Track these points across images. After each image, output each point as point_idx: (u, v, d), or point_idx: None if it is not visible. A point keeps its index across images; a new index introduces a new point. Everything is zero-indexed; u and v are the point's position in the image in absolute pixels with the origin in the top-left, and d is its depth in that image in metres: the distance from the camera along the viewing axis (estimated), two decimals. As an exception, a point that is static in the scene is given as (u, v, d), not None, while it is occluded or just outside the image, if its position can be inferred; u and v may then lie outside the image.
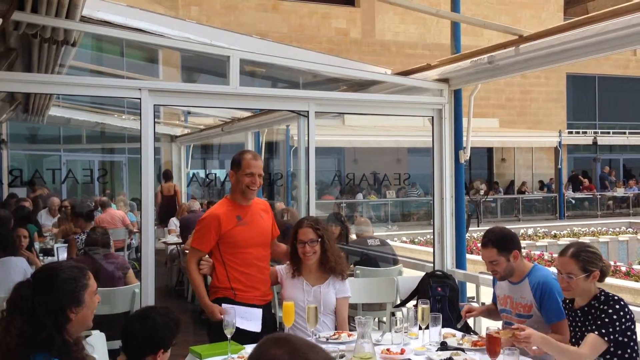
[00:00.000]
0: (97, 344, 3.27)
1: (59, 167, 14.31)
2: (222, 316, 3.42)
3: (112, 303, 4.97)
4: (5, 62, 5.44)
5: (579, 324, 3.13)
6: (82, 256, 6.45)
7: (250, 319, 3.74)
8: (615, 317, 2.95)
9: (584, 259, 3.04)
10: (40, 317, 2.31)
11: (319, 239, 3.83)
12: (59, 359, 2.29)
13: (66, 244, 7.34)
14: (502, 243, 3.52)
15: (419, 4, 5.18)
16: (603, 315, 2.97)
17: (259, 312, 3.79)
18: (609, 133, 23.65)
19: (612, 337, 2.93)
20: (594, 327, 2.98)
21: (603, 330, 2.93)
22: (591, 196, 22.14)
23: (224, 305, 3.69)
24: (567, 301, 3.24)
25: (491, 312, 3.87)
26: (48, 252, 7.48)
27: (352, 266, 6.57)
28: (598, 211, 21.60)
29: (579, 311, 3.13)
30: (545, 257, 12.07)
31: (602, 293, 3.07)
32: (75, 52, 5.79)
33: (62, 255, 7.13)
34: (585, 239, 16.35)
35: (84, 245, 6.65)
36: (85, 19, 4.41)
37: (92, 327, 2.53)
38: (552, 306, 3.39)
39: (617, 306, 2.98)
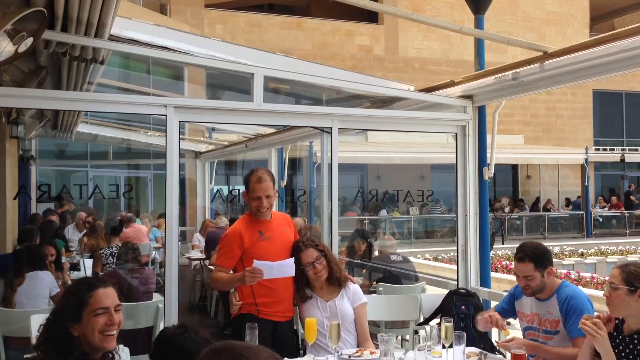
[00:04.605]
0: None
1: (86, 183, 14.54)
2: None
3: (136, 318, 4.99)
4: (36, 80, 5.57)
5: (627, 352, 2.93)
6: (108, 271, 6.54)
7: (282, 270, 3.68)
8: None
9: (630, 271, 2.89)
10: (52, 328, 2.34)
11: (322, 253, 3.87)
12: None
13: (92, 259, 7.45)
14: (539, 258, 3.47)
15: (442, 21, 5.18)
16: None
17: (290, 261, 3.71)
18: (636, 150, 23.27)
19: None
20: None
21: None
22: (619, 214, 21.75)
23: (255, 262, 3.60)
24: (617, 323, 3.04)
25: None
26: (74, 266, 7.60)
27: (375, 283, 6.54)
28: (626, 229, 21.18)
29: (627, 338, 2.94)
30: (572, 276, 11.86)
31: None
32: (104, 70, 5.89)
33: (89, 269, 7.23)
34: (613, 258, 16.02)
35: (113, 260, 6.74)
36: (113, 38, 4.49)
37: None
38: (577, 320, 3.23)
39: None
